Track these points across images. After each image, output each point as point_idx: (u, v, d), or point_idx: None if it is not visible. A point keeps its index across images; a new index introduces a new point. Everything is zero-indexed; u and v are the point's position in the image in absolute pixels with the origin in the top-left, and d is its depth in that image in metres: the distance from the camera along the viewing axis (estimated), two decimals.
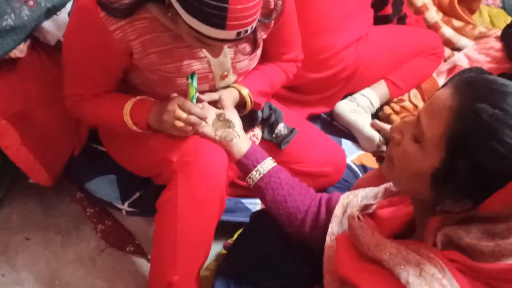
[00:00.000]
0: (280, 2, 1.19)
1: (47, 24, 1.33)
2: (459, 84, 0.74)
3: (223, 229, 1.32)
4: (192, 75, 1.15)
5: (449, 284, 0.71)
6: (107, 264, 1.44)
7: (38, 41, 1.38)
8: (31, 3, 1.27)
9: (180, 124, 1.12)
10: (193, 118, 1.13)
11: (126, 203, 1.43)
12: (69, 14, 1.34)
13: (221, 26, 0.95)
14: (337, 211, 1.05)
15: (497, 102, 0.69)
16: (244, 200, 1.47)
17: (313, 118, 1.82)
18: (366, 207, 0.97)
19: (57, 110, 1.35)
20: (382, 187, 1.02)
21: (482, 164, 0.69)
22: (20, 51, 1.31)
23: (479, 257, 0.74)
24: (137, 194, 1.44)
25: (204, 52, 1.17)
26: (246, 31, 0.99)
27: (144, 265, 1.43)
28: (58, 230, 1.50)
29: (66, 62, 1.21)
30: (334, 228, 1.02)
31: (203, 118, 1.15)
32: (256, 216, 1.23)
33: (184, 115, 1.12)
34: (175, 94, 1.17)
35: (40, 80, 1.37)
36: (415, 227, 0.88)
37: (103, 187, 1.45)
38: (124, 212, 1.44)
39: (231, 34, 0.98)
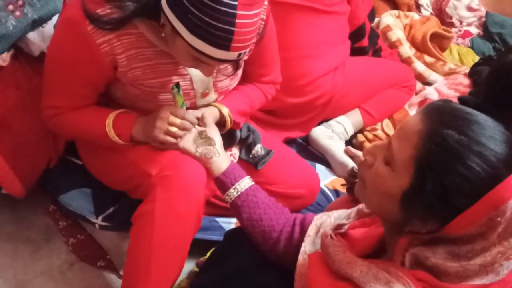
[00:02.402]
0: (262, 26, 1.23)
1: (32, 35, 1.34)
2: (428, 111, 0.78)
3: (197, 247, 1.32)
4: (177, 84, 1.18)
5: None
6: (77, 278, 1.41)
7: (22, 51, 1.38)
8: (17, 13, 1.28)
9: (173, 129, 1.15)
10: (187, 123, 1.17)
11: (100, 217, 1.41)
12: (55, 26, 1.35)
13: (226, 47, 0.98)
14: (311, 230, 1.06)
15: (463, 128, 0.74)
16: (219, 219, 1.47)
17: (289, 142, 1.84)
18: (338, 226, 0.99)
19: (35, 120, 1.34)
20: (354, 208, 1.05)
21: (448, 186, 0.72)
22: (3, 60, 1.31)
23: (445, 277, 0.76)
24: (112, 209, 1.43)
25: (186, 69, 1.20)
26: (245, 52, 1.03)
27: (115, 280, 1.41)
28: (28, 242, 1.47)
29: (48, 72, 1.20)
30: (307, 247, 1.04)
31: (194, 124, 1.19)
32: (230, 234, 1.23)
33: (178, 120, 1.16)
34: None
35: (21, 89, 1.36)
36: (385, 248, 0.90)
37: (78, 200, 1.44)
38: (97, 226, 1.42)
39: (233, 55, 1.01)
